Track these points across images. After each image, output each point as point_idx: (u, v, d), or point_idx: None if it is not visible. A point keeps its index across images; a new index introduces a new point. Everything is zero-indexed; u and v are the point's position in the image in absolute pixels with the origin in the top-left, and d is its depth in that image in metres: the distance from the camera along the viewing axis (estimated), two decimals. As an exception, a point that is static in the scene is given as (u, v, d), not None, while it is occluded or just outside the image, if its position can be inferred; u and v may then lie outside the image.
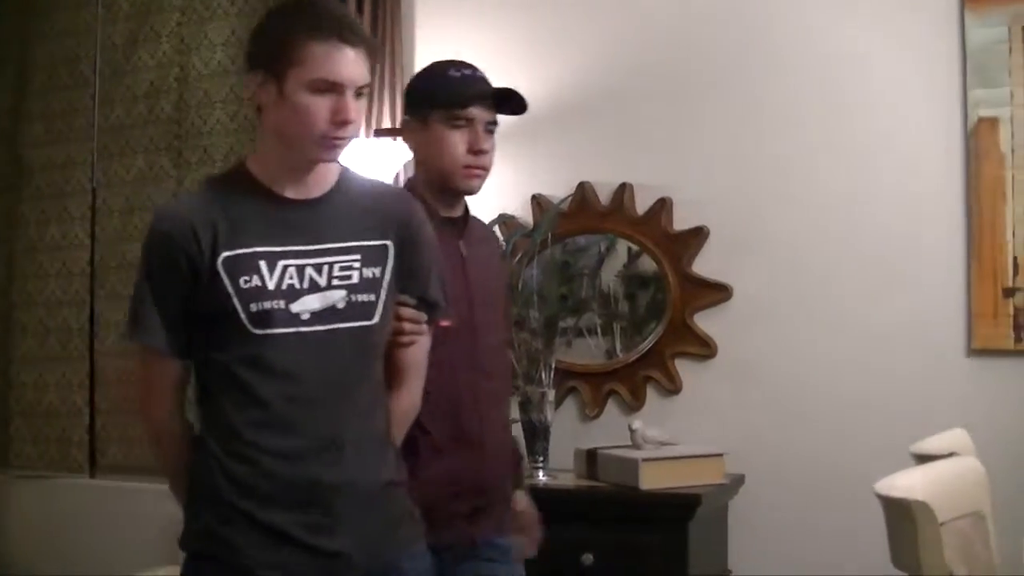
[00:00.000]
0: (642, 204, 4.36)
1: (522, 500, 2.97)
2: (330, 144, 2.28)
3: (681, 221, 4.32)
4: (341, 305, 2.29)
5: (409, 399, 2.50)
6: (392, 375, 2.45)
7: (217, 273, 2.24)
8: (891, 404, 3.99)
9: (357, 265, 2.33)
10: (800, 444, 4.12)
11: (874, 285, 4.07)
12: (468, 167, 2.72)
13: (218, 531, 2.25)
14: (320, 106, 2.24)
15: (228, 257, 2.25)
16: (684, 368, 4.32)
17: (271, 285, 2.25)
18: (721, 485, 3.92)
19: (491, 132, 2.77)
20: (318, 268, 2.29)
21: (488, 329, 2.80)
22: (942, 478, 2.78)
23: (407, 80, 3.14)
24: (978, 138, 3.93)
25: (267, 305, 2.24)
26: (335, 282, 2.30)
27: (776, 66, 4.23)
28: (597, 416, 4.42)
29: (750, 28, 4.28)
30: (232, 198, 2.32)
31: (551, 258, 4.47)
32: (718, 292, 4.26)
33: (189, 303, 2.28)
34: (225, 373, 2.27)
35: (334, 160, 2.36)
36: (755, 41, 4.26)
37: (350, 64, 2.25)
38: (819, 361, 4.12)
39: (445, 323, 2.54)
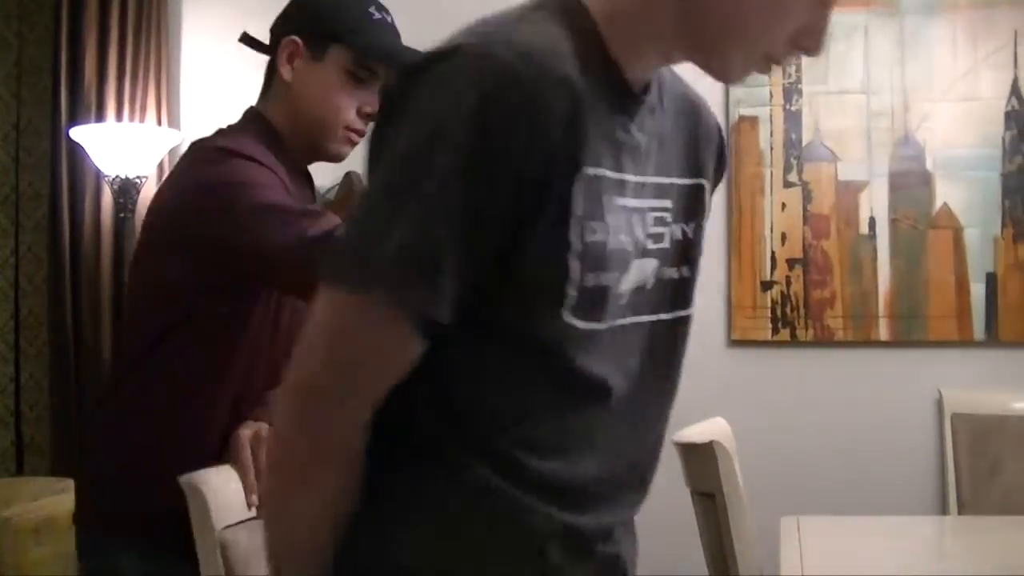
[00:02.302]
0: None
1: None
2: None
3: None
4: (650, 284, 1.40)
5: None
6: None
7: (568, 201, 1.25)
8: (654, 394, 4.04)
9: (669, 218, 1.43)
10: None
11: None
12: (350, 130, 2.19)
13: None
14: None
15: (588, 176, 1.27)
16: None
17: (611, 243, 1.31)
18: None
19: None
20: (641, 217, 1.38)
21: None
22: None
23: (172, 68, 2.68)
24: (739, 136, 4.11)
25: (603, 279, 1.30)
26: (649, 244, 1.39)
27: None
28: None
29: None
30: (581, 65, 1.27)
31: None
32: None
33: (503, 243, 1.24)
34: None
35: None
36: None
37: None
38: (582, 354, 4.04)
39: None
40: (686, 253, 1.45)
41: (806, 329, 4.05)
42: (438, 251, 1.20)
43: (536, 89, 1.19)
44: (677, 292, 1.45)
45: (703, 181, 1.48)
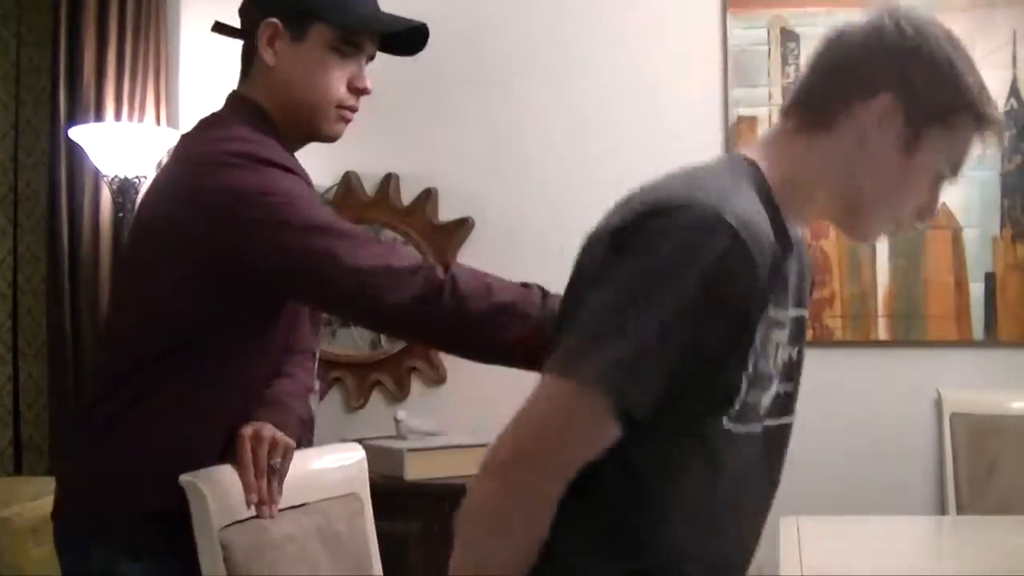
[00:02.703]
0: (407, 194, 4.29)
1: None
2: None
3: (446, 212, 4.28)
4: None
5: None
6: None
7: (753, 335, 1.56)
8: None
9: (787, 342, 1.71)
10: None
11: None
12: (342, 107, 2.13)
13: None
14: None
15: (768, 317, 1.59)
16: (449, 358, 4.19)
17: (766, 367, 1.62)
18: None
19: None
20: (779, 344, 1.68)
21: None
22: None
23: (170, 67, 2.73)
24: (737, 136, 4.11)
25: (757, 396, 1.62)
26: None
27: (542, 61, 4.26)
28: (362, 407, 4.34)
29: (517, 23, 4.26)
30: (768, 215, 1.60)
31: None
32: None
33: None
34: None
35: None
36: (520, 36, 4.27)
37: None
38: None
39: None
40: (792, 372, 1.74)
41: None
42: (655, 369, 1.47)
43: (753, 253, 1.47)
44: (787, 402, 1.74)
45: (805, 312, 1.78)
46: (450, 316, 1.90)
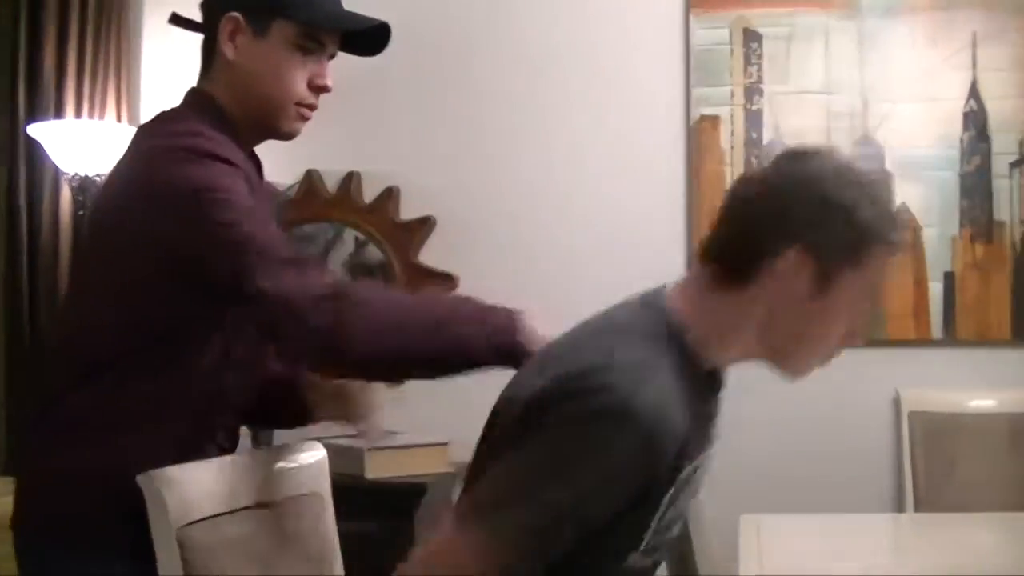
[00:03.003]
0: (369, 193, 4.26)
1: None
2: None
3: (408, 211, 4.25)
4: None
5: None
6: None
7: (664, 494, 1.66)
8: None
9: (698, 478, 1.82)
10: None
11: (599, 277, 4.12)
12: (302, 105, 2.13)
13: None
14: None
15: (681, 478, 1.68)
16: (409, 357, 4.10)
17: (680, 508, 1.75)
18: (446, 473, 3.91)
19: None
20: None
21: None
22: None
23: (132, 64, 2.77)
24: (700, 135, 4.13)
25: (658, 539, 1.73)
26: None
27: (504, 60, 4.26)
28: (323, 405, 4.16)
29: (478, 21, 4.26)
30: (689, 384, 1.67)
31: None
32: (444, 282, 4.18)
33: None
34: None
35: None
36: (483, 34, 4.26)
37: None
38: (544, 353, 4.10)
39: None
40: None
41: (765, 328, 4.05)
42: (555, 536, 1.56)
43: (663, 443, 1.56)
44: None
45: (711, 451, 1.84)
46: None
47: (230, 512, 2.02)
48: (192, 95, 2.12)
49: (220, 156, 1.95)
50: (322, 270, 1.97)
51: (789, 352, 1.73)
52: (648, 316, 1.71)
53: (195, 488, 1.94)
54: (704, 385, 1.72)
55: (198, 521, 1.94)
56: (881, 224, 1.68)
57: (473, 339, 1.95)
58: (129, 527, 1.92)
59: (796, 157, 1.72)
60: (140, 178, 1.98)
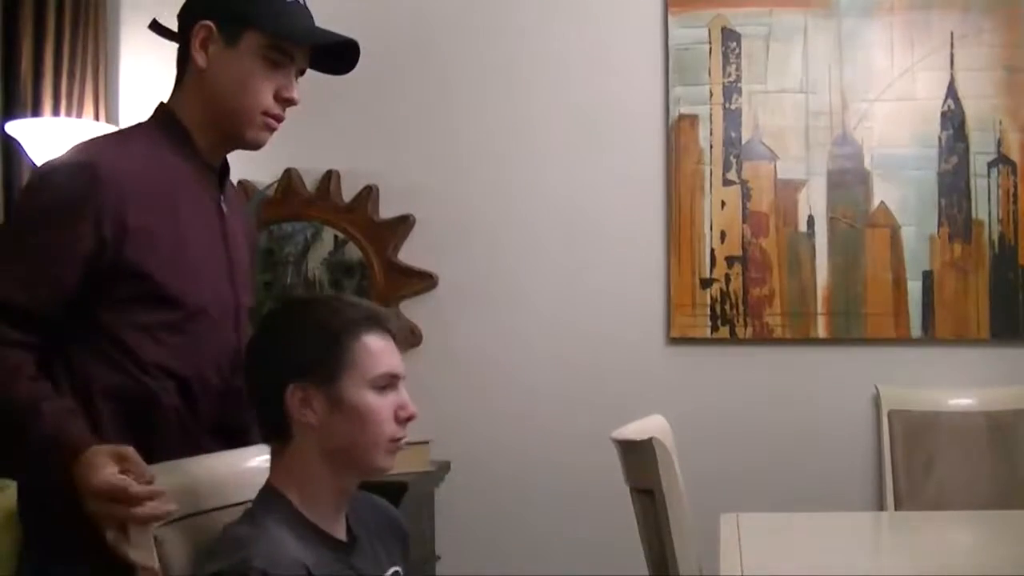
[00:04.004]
0: (348, 192, 4.25)
1: None
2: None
3: (387, 209, 4.25)
4: None
5: None
6: None
7: None
8: (594, 392, 4.13)
9: None
10: (505, 431, 4.19)
11: (578, 276, 4.17)
12: (268, 115, 2.16)
13: None
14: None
15: None
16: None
17: None
18: (427, 472, 3.94)
19: None
20: None
21: (243, 314, 2.34)
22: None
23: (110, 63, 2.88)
24: (678, 134, 4.13)
25: None
26: None
27: (482, 59, 4.27)
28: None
29: (456, 21, 4.27)
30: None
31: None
32: (423, 280, 4.23)
33: None
34: None
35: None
36: (462, 35, 4.26)
37: None
38: (523, 350, 4.20)
39: None
40: None
41: (745, 327, 4.07)
42: None
43: None
44: None
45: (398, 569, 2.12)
46: None
47: (205, 512, 2.01)
48: (156, 111, 2.19)
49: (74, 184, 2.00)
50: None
51: None
52: (264, 504, 1.96)
53: (171, 487, 1.93)
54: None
55: (174, 521, 1.93)
56: None
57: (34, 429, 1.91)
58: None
59: None
60: None
